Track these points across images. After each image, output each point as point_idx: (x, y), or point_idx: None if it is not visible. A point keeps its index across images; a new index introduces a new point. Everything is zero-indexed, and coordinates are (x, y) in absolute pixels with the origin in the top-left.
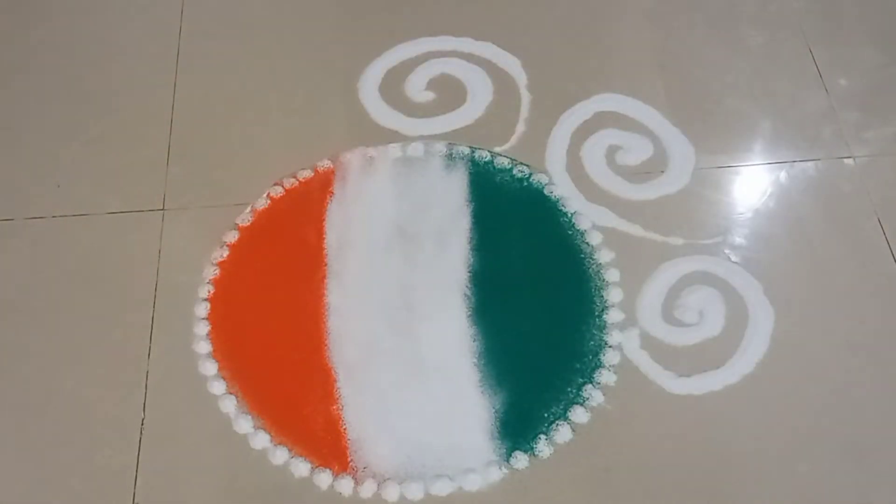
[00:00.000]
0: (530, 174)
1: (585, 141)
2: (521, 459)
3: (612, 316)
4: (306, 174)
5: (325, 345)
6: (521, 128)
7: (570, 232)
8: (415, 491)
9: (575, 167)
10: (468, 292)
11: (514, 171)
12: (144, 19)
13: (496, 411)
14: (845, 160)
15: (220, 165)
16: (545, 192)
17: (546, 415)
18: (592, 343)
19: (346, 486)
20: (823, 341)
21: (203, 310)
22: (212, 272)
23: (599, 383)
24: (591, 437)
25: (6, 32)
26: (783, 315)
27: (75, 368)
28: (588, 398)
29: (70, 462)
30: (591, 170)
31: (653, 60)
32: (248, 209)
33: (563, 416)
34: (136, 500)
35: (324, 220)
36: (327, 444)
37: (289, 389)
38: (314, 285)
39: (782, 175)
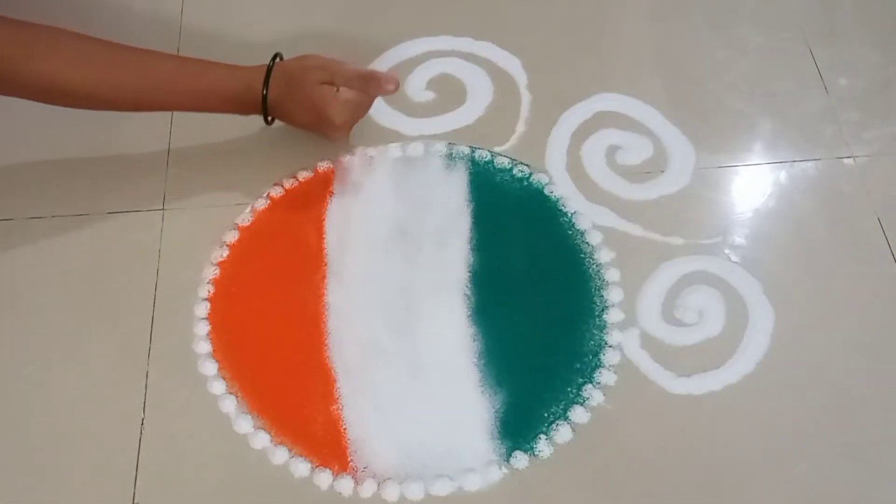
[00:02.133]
0: (530, 174)
1: (585, 141)
2: (521, 459)
3: (612, 316)
4: (306, 174)
5: (325, 345)
6: (521, 128)
7: (570, 232)
8: (415, 491)
9: (575, 167)
10: (468, 292)
11: (514, 171)
12: (144, 18)
13: (496, 411)
14: (845, 160)
15: (221, 165)
16: (545, 191)
17: (546, 415)
18: (592, 343)
19: (346, 485)
20: (823, 341)
21: (203, 310)
22: (212, 272)
23: (599, 383)
24: (591, 437)
25: None
26: (783, 315)
27: (75, 368)
28: (588, 398)
29: (70, 462)
30: (592, 170)
31: (653, 60)
32: (248, 209)
33: (563, 416)
34: (136, 500)
35: (324, 220)
36: (327, 444)
37: (289, 389)
38: (314, 285)
39: (782, 175)
